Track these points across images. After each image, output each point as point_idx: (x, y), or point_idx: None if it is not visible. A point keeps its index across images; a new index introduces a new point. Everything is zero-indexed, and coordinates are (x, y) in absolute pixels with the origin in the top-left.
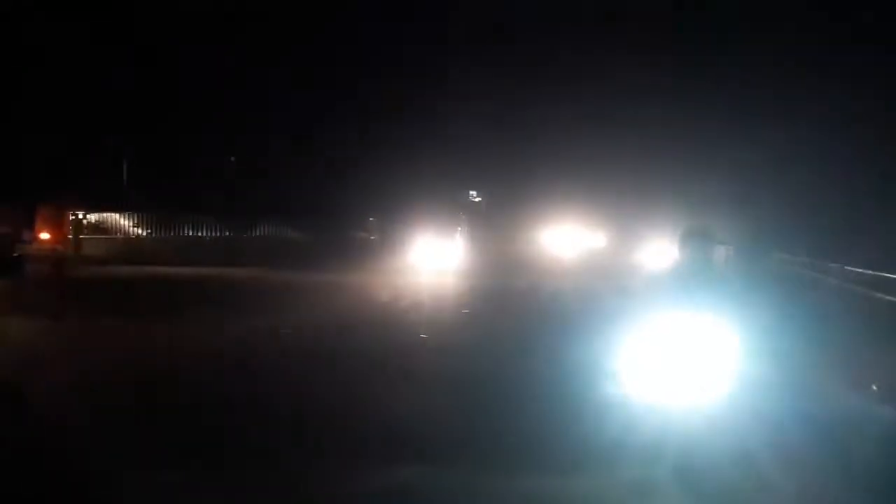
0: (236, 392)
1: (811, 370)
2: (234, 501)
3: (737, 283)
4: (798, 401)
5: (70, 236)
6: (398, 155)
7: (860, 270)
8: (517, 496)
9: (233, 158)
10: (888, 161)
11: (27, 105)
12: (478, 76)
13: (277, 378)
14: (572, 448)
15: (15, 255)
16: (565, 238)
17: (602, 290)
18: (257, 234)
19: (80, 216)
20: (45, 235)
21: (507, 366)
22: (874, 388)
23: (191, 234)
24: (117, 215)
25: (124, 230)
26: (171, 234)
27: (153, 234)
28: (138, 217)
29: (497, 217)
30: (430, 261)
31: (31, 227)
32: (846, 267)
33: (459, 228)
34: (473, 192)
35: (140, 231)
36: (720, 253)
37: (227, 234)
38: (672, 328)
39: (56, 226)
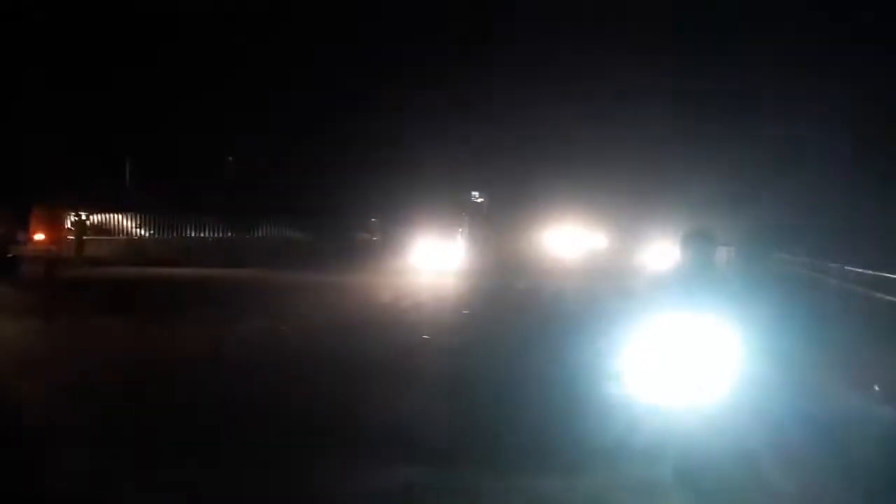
0: (237, 392)
1: (811, 370)
2: (234, 501)
3: (738, 284)
4: (798, 401)
5: (70, 237)
6: (400, 155)
7: (860, 270)
8: (519, 496)
9: (230, 158)
10: (888, 161)
11: (27, 105)
12: (478, 76)
13: (279, 378)
14: (574, 448)
15: (9, 255)
16: (567, 239)
17: (603, 291)
18: (259, 234)
19: (83, 217)
20: (39, 236)
21: (509, 366)
22: (876, 388)
23: (193, 234)
24: (120, 216)
25: (127, 231)
26: (174, 235)
27: (155, 236)
28: (141, 218)
29: (499, 218)
30: (432, 261)
31: (25, 227)
32: (846, 267)
33: (461, 229)
34: (475, 193)
35: (142, 232)
36: (722, 254)
37: (229, 234)
38: (673, 329)
39: (51, 226)
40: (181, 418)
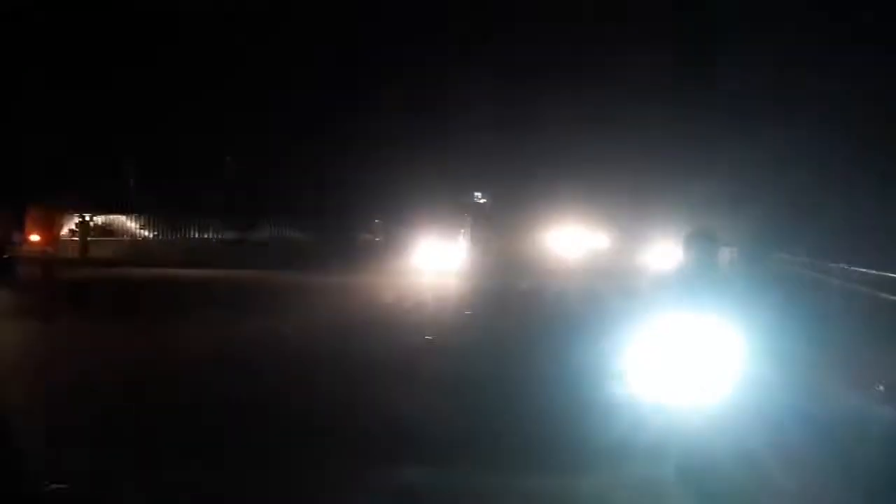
0: (239, 393)
1: (813, 370)
2: (236, 502)
3: (740, 285)
4: (800, 401)
5: (71, 238)
6: (402, 156)
7: (862, 270)
8: (522, 496)
9: (229, 158)
10: (888, 161)
11: (27, 105)
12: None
13: (282, 379)
14: (577, 448)
15: (5, 256)
16: (569, 239)
17: (606, 292)
18: (262, 236)
19: (88, 218)
20: (35, 237)
21: (511, 366)
22: (880, 388)
23: (196, 235)
24: (124, 217)
25: (131, 232)
26: (177, 236)
27: (159, 237)
28: (145, 219)
29: (501, 218)
30: (435, 262)
31: (21, 229)
32: (847, 267)
33: (463, 230)
34: (478, 194)
35: (146, 233)
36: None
37: (232, 235)
38: (676, 329)
39: (46, 228)
40: (183, 419)
